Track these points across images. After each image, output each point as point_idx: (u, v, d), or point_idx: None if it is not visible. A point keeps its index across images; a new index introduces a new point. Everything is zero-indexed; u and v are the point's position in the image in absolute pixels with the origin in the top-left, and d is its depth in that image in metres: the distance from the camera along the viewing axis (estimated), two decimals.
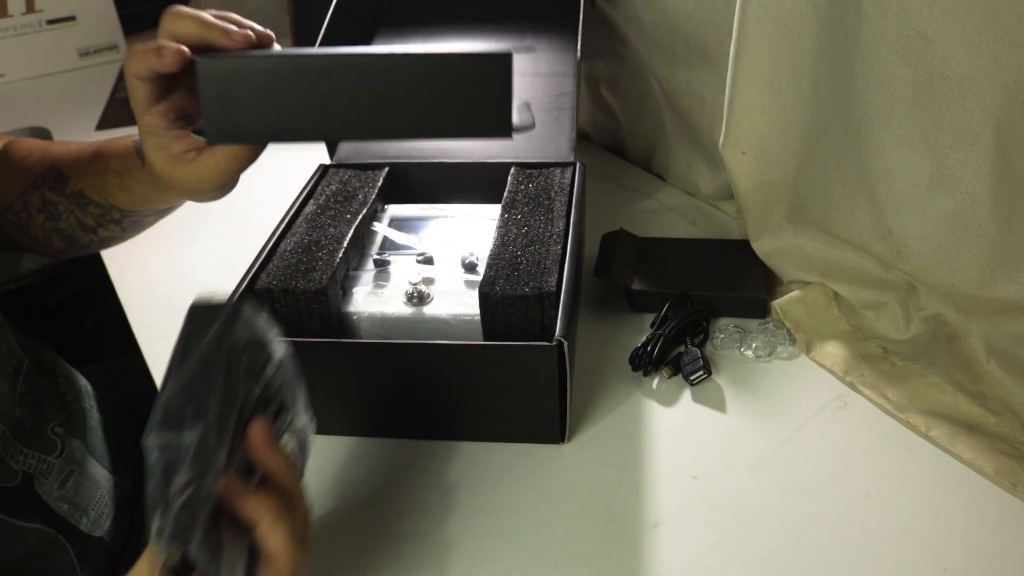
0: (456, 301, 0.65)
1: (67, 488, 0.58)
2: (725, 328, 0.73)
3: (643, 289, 0.76)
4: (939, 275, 0.61)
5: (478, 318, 0.63)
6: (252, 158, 0.54)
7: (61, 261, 1.22)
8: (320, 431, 0.65)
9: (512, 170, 0.76)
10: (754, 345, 0.71)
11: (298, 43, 1.15)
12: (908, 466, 0.59)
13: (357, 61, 0.49)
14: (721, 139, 0.72)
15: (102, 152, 0.63)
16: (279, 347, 0.45)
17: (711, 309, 0.74)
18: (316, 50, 0.52)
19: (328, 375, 0.63)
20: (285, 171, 0.98)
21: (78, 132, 1.21)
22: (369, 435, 0.65)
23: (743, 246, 0.79)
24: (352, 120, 0.50)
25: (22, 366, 0.59)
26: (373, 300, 0.66)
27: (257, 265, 0.66)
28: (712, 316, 0.74)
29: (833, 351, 0.69)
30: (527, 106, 0.52)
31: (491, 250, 0.65)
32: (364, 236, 0.72)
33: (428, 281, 0.67)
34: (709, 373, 0.67)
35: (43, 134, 1.25)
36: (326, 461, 0.63)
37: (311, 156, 0.84)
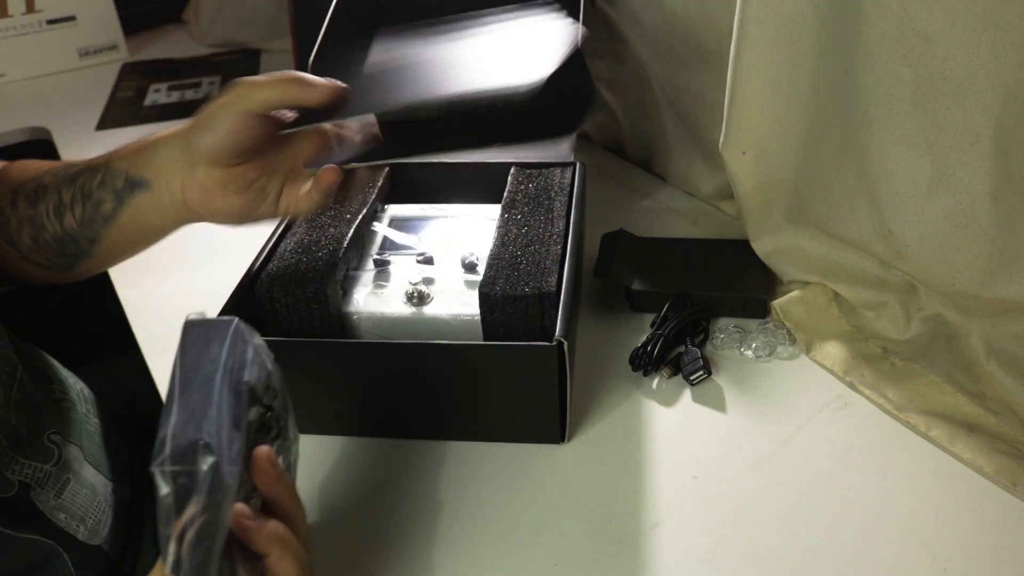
0: (456, 301, 0.65)
1: (64, 497, 0.58)
2: (725, 328, 0.73)
3: (643, 289, 0.76)
4: (939, 275, 0.61)
5: (478, 318, 0.63)
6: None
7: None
8: (319, 431, 0.65)
9: (512, 170, 0.76)
10: (754, 345, 0.71)
11: (298, 43, 1.15)
12: (908, 466, 0.59)
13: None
14: (721, 139, 0.72)
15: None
16: (274, 366, 0.45)
17: (711, 309, 0.74)
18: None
19: (328, 375, 0.63)
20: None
21: (78, 132, 1.21)
22: (369, 435, 0.65)
23: (743, 246, 0.79)
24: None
25: (16, 372, 0.58)
26: (373, 300, 0.66)
27: (257, 265, 0.66)
28: (712, 316, 0.74)
29: (833, 351, 0.69)
30: None
31: (491, 250, 0.65)
32: (364, 236, 0.72)
33: (428, 281, 0.67)
34: (709, 373, 0.67)
35: (43, 134, 1.25)
36: (326, 461, 0.63)
37: None
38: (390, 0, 0.97)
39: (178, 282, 0.86)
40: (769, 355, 0.70)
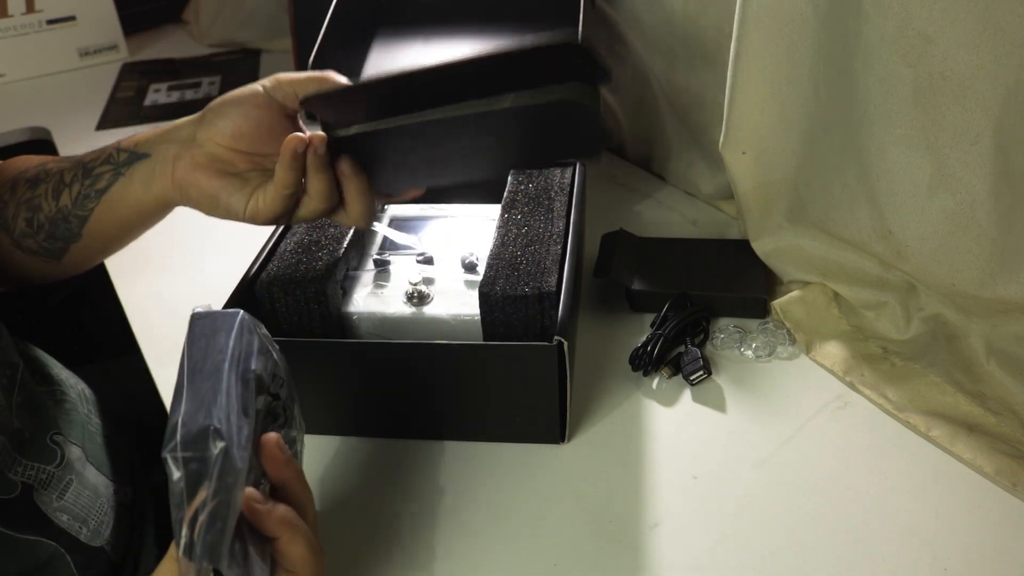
0: (456, 301, 0.65)
1: (66, 499, 0.58)
2: (725, 328, 0.73)
3: (643, 289, 0.76)
4: (939, 275, 0.61)
5: (478, 318, 0.63)
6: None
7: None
8: (319, 431, 0.65)
9: (512, 170, 0.76)
10: (754, 345, 0.71)
11: (298, 43, 1.15)
12: (908, 466, 0.59)
13: (467, 119, 0.52)
14: (721, 139, 0.72)
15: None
16: (280, 356, 0.46)
17: (711, 309, 0.74)
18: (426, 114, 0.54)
19: (328, 375, 0.63)
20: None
21: (78, 132, 1.21)
22: (368, 435, 0.65)
23: (743, 246, 0.79)
24: (464, 166, 0.56)
25: (17, 374, 0.58)
26: (373, 300, 0.66)
27: (257, 265, 0.66)
28: (712, 316, 0.74)
29: (833, 351, 0.69)
30: None
31: (491, 250, 0.65)
32: (364, 236, 0.72)
33: (428, 281, 0.67)
34: (709, 373, 0.67)
35: (43, 134, 1.25)
36: (326, 461, 0.63)
37: None
38: (390, 0, 0.97)
39: (178, 282, 0.86)
40: (769, 355, 0.70)
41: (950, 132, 0.55)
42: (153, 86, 1.36)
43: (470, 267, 0.68)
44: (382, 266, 0.69)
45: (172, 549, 0.41)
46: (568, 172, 0.76)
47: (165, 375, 0.73)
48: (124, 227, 0.64)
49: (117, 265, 0.89)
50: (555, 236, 0.67)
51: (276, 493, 0.44)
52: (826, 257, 0.72)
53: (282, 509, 0.42)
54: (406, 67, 0.52)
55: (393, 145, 0.55)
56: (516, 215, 0.70)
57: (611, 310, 0.77)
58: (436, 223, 0.75)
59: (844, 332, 0.71)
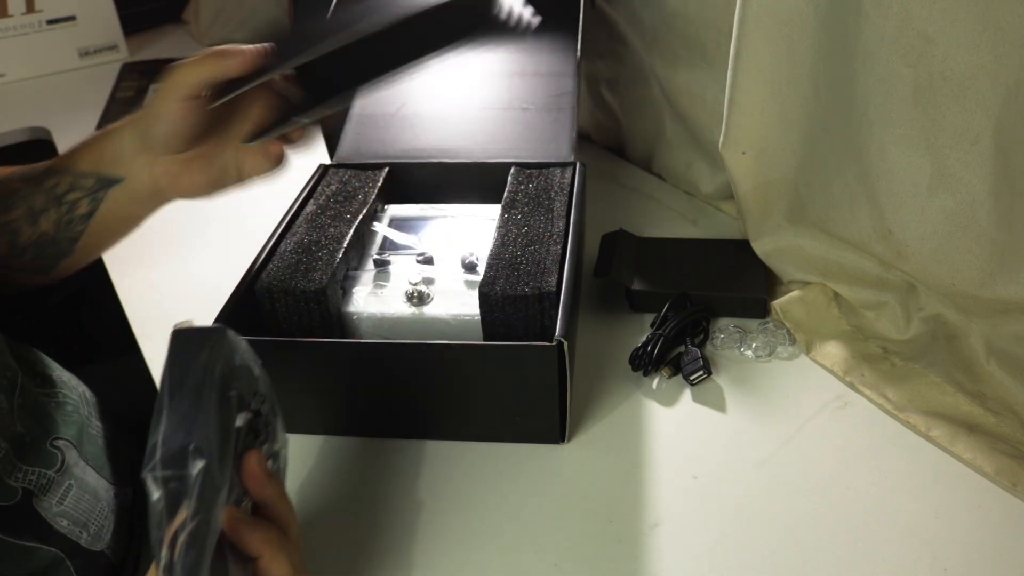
0: (456, 301, 0.65)
1: (67, 503, 0.57)
2: (725, 328, 0.73)
3: (643, 289, 0.76)
4: (939, 275, 0.61)
5: (478, 318, 0.63)
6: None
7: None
8: (319, 431, 0.65)
9: (512, 170, 0.76)
10: (754, 345, 0.71)
11: None
12: (908, 466, 0.59)
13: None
14: (721, 139, 0.72)
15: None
16: (262, 371, 0.45)
17: (711, 309, 0.74)
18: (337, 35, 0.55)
19: (328, 375, 0.63)
20: (285, 171, 0.97)
21: (78, 132, 1.21)
22: (368, 435, 0.65)
23: (743, 246, 0.79)
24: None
25: (17, 378, 0.58)
26: (373, 300, 0.66)
27: (257, 265, 0.66)
28: (712, 316, 0.74)
29: (833, 351, 0.69)
30: None
31: (491, 250, 0.65)
32: (364, 236, 0.72)
33: (428, 281, 0.67)
34: (709, 373, 0.67)
35: (43, 134, 1.25)
36: (325, 461, 0.63)
37: (311, 156, 0.84)
38: None
39: (178, 282, 0.86)
40: (769, 355, 0.70)
41: (950, 132, 0.55)
42: (153, 86, 1.36)
43: (470, 267, 0.68)
44: (382, 266, 0.69)
45: (152, 570, 0.41)
46: (568, 172, 0.76)
47: None
48: (119, 233, 0.65)
49: (117, 265, 0.89)
50: (555, 236, 0.67)
51: (258, 511, 0.43)
52: (826, 257, 0.72)
53: (264, 527, 0.42)
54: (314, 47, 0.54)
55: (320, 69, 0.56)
56: (516, 215, 0.70)
57: (611, 310, 0.77)
58: (436, 223, 0.75)
59: (844, 332, 0.71)
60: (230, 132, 0.60)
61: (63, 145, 1.19)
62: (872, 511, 0.56)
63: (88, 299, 1.10)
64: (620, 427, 0.64)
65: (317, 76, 0.57)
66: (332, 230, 0.69)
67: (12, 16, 1.38)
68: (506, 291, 0.61)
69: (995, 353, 0.61)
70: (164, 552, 0.37)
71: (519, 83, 0.87)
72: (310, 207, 0.73)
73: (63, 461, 0.58)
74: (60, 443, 0.59)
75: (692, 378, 0.67)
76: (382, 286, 0.67)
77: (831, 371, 0.68)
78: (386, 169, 0.79)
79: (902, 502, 0.57)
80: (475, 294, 0.62)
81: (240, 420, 0.42)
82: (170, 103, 0.56)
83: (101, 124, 1.24)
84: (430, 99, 0.87)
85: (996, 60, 0.50)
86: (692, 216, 0.91)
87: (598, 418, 0.65)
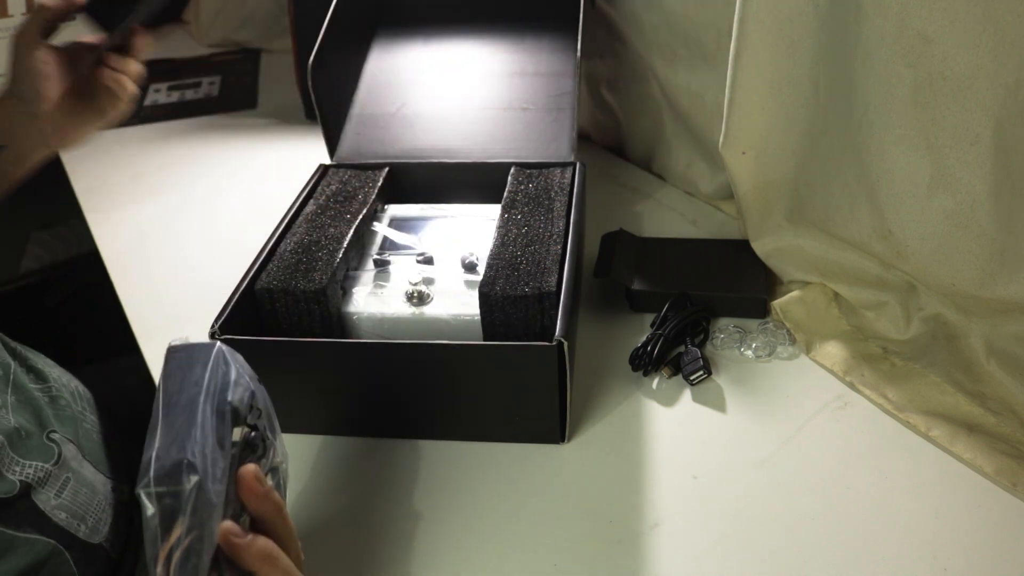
0: (456, 301, 0.65)
1: (64, 496, 0.58)
2: (725, 328, 0.73)
3: (643, 289, 0.76)
4: (939, 275, 0.61)
5: (478, 318, 0.63)
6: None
7: (61, 260, 1.22)
8: (320, 431, 0.65)
9: (512, 170, 0.76)
10: (754, 345, 0.71)
11: (298, 43, 1.15)
12: (908, 466, 0.59)
13: None
14: (721, 139, 0.72)
15: None
16: (258, 386, 0.45)
17: (711, 309, 0.74)
18: None
19: (328, 375, 0.63)
20: (285, 171, 0.98)
21: None
22: (368, 435, 0.65)
23: (743, 246, 0.79)
24: None
25: (10, 373, 0.59)
26: (373, 300, 0.66)
27: (257, 265, 0.66)
28: (712, 316, 0.74)
29: (833, 351, 0.69)
30: None
31: (491, 250, 0.65)
32: (364, 236, 0.72)
33: (428, 281, 0.67)
34: (709, 373, 0.67)
35: None
36: (326, 461, 0.64)
37: (311, 156, 0.84)
38: (390, 0, 0.97)
39: (178, 282, 0.86)
40: (769, 355, 0.70)
41: (950, 132, 0.55)
42: (153, 86, 1.36)
43: (470, 267, 0.68)
44: (382, 266, 0.69)
45: None
46: (568, 172, 0.76)
47: None
48: (12, 184, 0.71)
49: (117, 264, 0.89)
50: (555, 236, 0.67)
51: (256, 526, 0.43)
52: (826, 257, 0.72)
53: (261, 542, 0.41)
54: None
55: None
56: (516, 215, 0.70)
57: (611, 310, 0.77)
58: (436, 223, 0.75)
59: (844, 332, 0.71)
60: (86, 62, 0.67)
61: None
62: (872, 511, 0.56)
63: (88, 299, 1.10)
64: (620, 427, 0.64)
65: None
66: (332, 230, 0.69)
67: (12, 16, 1.38)
68: (506, 291, 0.61)
69: (995, 353, 0.61)
70: (159, 569, 0.37)
71: (519, 83, 0.87)
72: (310, 207, 0.73)
73: (60, 455, 0.59)
74: (56, 437, 0.60)
75: (692, 378, 0.67)
76: (382, 286, 0.67)
77: (831, 371, 0.68)
78: (386, 169, 0.79)
79: (902, 502, 0.57)
80: (475, 294, 0.62)
81: (236, 435, 0.42)
82: (23, 57, 0.63)
83: None
84: (430, 99, 0.87)
85: (995, 60, 0.50)
86: (692, 216, 0.91)
87: (598, 418, 0.65)
